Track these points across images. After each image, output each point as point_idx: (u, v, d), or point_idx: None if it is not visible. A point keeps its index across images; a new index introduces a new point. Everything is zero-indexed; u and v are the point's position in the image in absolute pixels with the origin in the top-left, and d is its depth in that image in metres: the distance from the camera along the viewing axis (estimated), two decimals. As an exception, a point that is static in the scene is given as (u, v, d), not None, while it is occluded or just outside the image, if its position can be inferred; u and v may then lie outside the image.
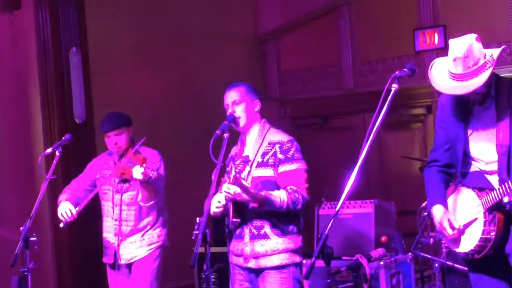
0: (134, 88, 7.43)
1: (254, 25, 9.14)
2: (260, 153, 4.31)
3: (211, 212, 4.21)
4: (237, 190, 4.05)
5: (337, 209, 3.30)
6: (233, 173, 4.08)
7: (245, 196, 4.07)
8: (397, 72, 3.47)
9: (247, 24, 9.05)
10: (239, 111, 4.33)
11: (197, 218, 3.94)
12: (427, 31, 8.08)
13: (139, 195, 5.02)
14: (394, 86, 3.43)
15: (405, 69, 3.50)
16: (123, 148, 5.16)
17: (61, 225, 5.10)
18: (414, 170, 7.47)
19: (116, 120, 5.19)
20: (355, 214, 6.22)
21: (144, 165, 4.73)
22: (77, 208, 5.07)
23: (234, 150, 4.50)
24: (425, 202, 5.49)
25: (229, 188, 4.06)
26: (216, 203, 4.22)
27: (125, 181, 5.13)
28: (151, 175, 4.76)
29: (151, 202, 5.02)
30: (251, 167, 4.30)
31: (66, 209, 5.03)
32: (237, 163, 4.39)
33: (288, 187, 4.20)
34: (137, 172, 4.77)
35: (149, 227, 5.20)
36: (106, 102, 6.84)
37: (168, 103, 7.76)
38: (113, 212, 5.20)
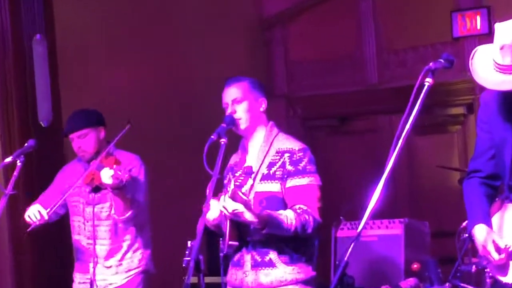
0: (111, 84, 7.43)
1: (256, 7, 9.14)
2: (266, 163, 4.31)
3: (210, 219, 4.19)
4: (237, 207, 4.03)
5: (358, 230, 3.30)
6: (232, 186, 4.07)
7: (246, 216, 4.04)
8: (431, 64, 3.47)
9: (248, 7, 9.05)
10: (241, 111, 4.33)
11: (189, 242, 3.93)
12: (468, 14, 8.08)
13: (113, 207, 5.02)
14: (428, 81, 3.43)
15: (441, 60, 3.50)
16: (90, 152, 5.17)
17: (29, 229, 5.08)
18: (452, 182, 7.47)
19: (79, 119, 5.21)
20: (381, 236, 6.23)
21: (114, 166, 4.73)
22: (47, 210, 5.06)
23: (233, 159, 4.51)
24: (466, 222, 5.48)
25: (225, 201, 4.05)
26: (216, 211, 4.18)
27: (96, 189, 5.13)
28: (122, 178, 4.75)
29: (128, 214, 5.03)
30: (254, 180, 4.30)
31: (34, 211, 5.03)
32: (237, 174, 4.39)
33: (297, 207, 4.19)
34: (106, 175, 4.78)
35: (127, 247, 5.20)
36: (77, 101, 6.80)
37: (154, 102, 7.75)
38: (85, 228, 5.21)
